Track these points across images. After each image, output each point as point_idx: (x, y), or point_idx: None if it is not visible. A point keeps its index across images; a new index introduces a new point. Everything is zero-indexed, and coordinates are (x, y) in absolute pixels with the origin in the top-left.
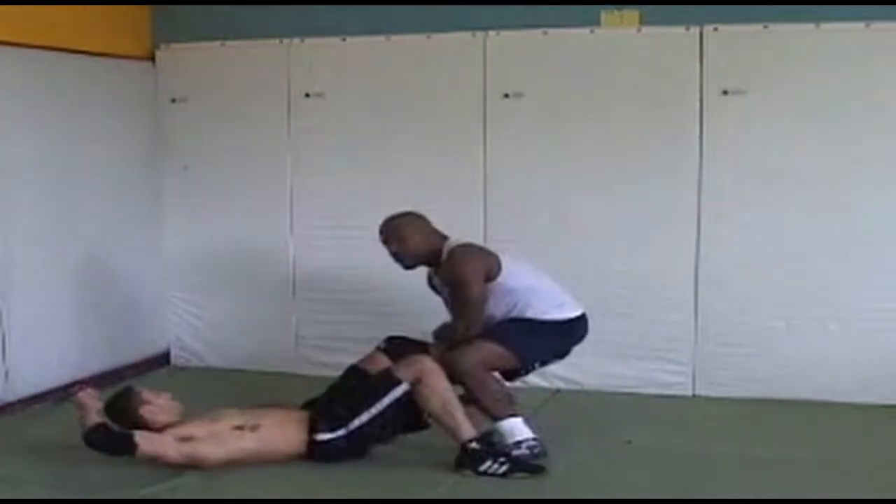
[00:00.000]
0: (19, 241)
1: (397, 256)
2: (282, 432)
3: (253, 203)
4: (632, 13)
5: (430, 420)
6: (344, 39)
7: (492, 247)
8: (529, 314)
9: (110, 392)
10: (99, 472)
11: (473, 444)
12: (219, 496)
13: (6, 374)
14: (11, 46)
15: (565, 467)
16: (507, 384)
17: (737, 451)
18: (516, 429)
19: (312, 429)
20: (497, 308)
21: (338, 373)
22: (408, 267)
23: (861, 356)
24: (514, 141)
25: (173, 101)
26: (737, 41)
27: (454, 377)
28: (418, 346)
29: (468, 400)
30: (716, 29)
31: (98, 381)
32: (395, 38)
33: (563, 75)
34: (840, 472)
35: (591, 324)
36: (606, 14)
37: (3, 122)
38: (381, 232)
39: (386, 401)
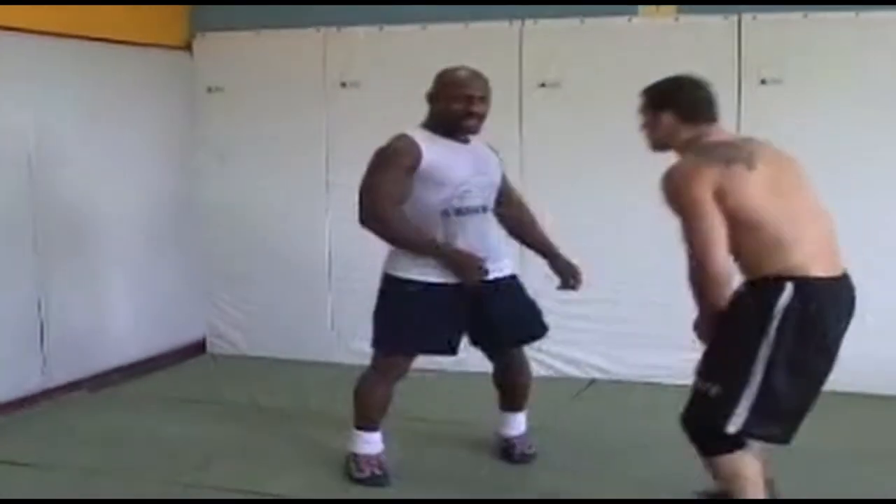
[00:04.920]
0: (58, 231)
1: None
2: None
3: (289, 192)
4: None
5: None
6: (380, 29)
7: None
8: None
9: (146, 380)
10: (132, 460)
11: None
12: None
13: (44, 362)
14: (49, 36)
15: (600, 458)
16: None
17: None
18: None
19: None
20: None
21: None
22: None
23: None
24: (550, 130)
25: (209, 90)
26: (775, 29)
27: None
28: None
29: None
30: (754, 17)
31: (133, 369)
32: (431, 27)
33: (601, 64)
34: (872, 464)
35: (629, 315)
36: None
37: (40, 111)
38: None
39: None
